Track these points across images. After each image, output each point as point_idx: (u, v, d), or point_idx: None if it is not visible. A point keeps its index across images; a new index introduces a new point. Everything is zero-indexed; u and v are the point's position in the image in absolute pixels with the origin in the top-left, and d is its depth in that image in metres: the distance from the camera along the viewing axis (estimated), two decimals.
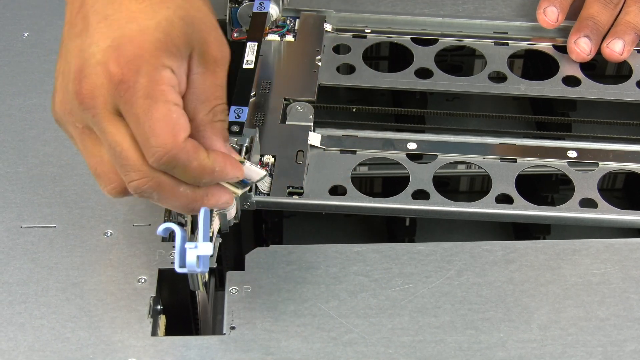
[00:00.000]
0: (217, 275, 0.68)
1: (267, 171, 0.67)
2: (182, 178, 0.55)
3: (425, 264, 0.64)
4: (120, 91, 0.53)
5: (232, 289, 0.63)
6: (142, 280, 0.63)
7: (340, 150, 0.72)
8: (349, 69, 0.78)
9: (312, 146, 0.71)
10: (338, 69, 0.78)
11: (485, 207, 0.68)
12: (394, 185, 1.04)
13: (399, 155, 0.72)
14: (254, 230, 0.93)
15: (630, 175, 0.74)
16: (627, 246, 0.66)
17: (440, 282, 0.63)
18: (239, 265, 0.65)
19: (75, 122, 0.56)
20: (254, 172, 0.60)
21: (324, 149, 0.71)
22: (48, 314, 0.61)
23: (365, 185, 1.08)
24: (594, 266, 0.64)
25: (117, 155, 0.54)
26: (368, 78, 0.77)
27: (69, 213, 0.68)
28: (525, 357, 0.59)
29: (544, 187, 0.79)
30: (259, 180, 0.62)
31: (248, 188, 0.61)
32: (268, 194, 0.66)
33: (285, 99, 0.73)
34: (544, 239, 0.76)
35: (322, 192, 0.68)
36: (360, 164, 0.94)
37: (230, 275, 0.64)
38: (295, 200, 0.67)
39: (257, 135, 0.65)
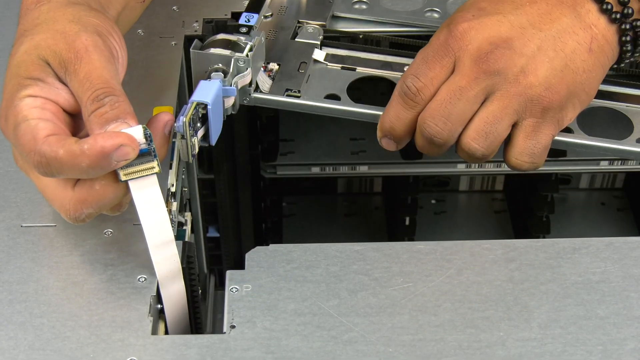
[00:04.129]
0: (217, 274, 0.68)
1: (270, 76, 0.71)
2: (69, 174, 0.58)
3: (425, 262, 0.64)
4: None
5: (232, 288, 0.63)
6: (143, 279, 0.63)
7: (342, 67, 0.74)
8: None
9: (315, 61, 0.74)
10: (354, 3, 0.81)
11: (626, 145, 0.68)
12: (394, 184, 1.04)
13: (395, 76, 0.73)
14: (254, 225, 0.93)
15: (630, 175, 0.74)
16: (627, 245, 0.66)
17: (440, 281, 0.63)
18: (239, 264, 0.65)
19: None
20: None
21: (327, 65, 0.74)
22: (48, 312, 0.61)
23: (365, 184, 1.09)
24: (593, 265, 0.64)
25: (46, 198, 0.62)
26: (381, 12, 0.79)
27: None
28: (525, 356, 0.59)
29: (544, 187, 0.79)
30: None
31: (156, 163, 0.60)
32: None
33: (299, 22, 0.76)
34: (544, 237, 0.76)
35: (318, 98, 0.71)
36: (360, 164, 0.94)
37: (231, 274, 0.64)
38: (291, 100, 0.70)
39: (263, 39, 0.69)
